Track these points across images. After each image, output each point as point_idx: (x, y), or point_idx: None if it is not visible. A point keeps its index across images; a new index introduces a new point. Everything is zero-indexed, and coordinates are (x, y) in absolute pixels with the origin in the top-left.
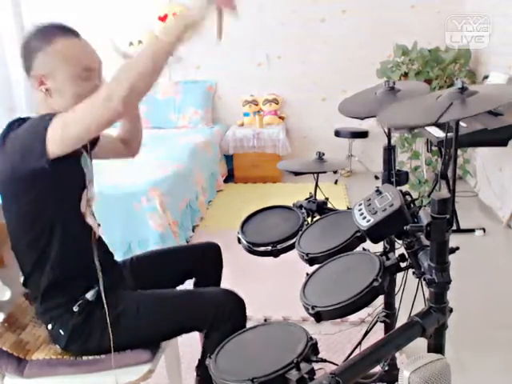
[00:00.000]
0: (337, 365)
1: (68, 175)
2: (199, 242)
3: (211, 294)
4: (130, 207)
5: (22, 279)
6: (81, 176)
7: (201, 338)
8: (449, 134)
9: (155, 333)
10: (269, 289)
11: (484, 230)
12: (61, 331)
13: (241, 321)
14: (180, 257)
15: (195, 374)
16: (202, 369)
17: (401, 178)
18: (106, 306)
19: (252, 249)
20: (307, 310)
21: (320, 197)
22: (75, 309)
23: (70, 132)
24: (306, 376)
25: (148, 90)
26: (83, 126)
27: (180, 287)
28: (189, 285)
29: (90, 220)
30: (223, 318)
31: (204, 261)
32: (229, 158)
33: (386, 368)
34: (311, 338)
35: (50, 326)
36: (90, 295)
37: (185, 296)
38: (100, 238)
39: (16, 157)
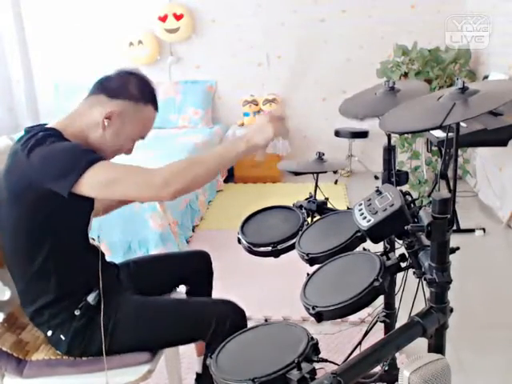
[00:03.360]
0: (338, 365)
1: (82, 203)
2: (190, 250)
3: (212, 305)
4: (130, 207)
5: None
6: (91, 202)
7: (196, 348)
8: (449, 134)
9: (154, 343)
10: (269, 289)
11: (484, 229)
12: (62, 336)
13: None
14: (172, 264)
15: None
16: (201, 381)
17: (401, 178)
18: (102, 310)
19: (252, 249)
20: (308, 310)
21: (320, 197)
22: (76, 312)
23: (110, 190)
24: (307, 376)
25: (197, 189)
26: (126, 193)
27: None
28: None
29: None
30: (224, 329)
31: (194, 270)
32: None
33: (386, 368)
34: (312, 338)
35: (49, 333)
36: (91, 298)
37: (185, 307)
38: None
39: (43, 174)
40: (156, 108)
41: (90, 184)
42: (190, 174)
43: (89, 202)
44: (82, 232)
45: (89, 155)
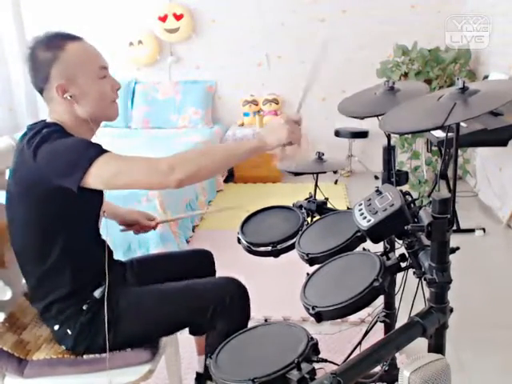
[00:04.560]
0: (337, 365)
1: (91, 196)
2: (193, 248)
3: (211, 283)
4: (130, 207)
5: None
6: (101, 195)
7: (196, 348)
8: (449, 134)
9: (157, 327)
10: (269, 289)
11: (484, 229)
12: (68, 331)
13: (244, 307)
14: (175, 262)
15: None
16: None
17: (401, 178)
18: (106, 304)
19: (252, 249)
20: (308, 310)
21: (320, 197)
22: (84, 307)
23: (118, 180)
24: (306, 376)
25: (204, 180)
26: (133, 181)
27: None
28: None
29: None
30: (224, 306)
31: (196, 269)
32: None
33: (386, 368)
34: (312, 338)
35: (56, 327)
36: (97, 293)
37: (185, 288)
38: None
39: (50, 171)
40: (75, 38)
41: (97, 176)
42: (197, 162)
43: (99, 194)
44: (93, 226)
45: (94, 149)
